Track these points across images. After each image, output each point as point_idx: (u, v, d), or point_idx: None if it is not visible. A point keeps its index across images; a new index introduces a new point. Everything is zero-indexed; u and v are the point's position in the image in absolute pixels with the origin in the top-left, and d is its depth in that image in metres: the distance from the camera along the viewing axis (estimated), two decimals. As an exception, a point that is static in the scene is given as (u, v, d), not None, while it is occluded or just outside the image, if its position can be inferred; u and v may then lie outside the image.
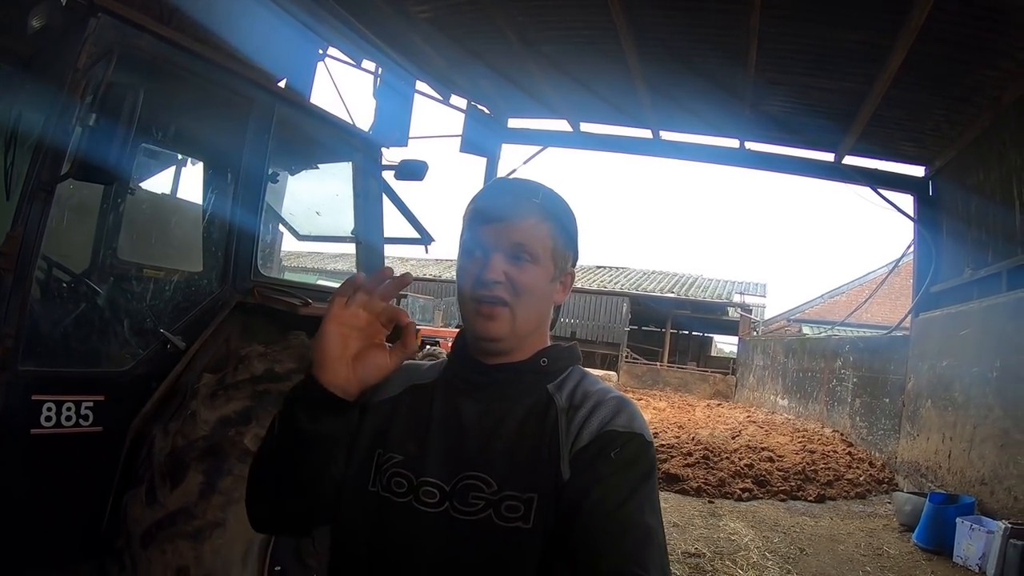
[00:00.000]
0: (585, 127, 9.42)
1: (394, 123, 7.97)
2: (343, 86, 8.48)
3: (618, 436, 1.05)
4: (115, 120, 1.96)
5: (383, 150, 3.61)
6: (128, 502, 2.36)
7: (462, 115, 9.30)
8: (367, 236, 3.47)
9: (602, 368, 21.97)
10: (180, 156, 3.81)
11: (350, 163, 3.46)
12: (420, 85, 8.44)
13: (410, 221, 3.89)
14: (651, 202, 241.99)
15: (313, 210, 4.04)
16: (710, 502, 7.28)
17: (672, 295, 24.77)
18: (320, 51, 8.97)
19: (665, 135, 9.07)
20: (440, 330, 17.52)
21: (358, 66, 8.89)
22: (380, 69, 8.32)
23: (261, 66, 7.43)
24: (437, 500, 1.09)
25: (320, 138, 3.35)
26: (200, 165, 3.77)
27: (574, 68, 7.62)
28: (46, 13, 2.32)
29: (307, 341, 2.78)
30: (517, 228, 1.15)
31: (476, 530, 1.05)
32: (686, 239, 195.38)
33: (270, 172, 2.98)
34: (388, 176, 3.67)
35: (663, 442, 9.42)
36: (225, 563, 2.27)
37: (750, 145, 8.91)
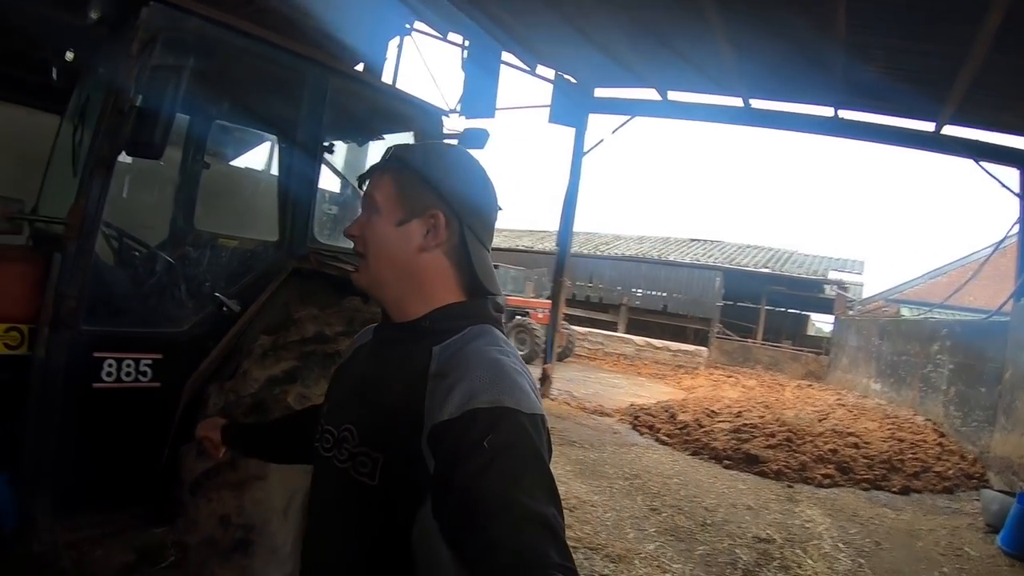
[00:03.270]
0: (673, 95, 9.15)
1: (482, 95, 8.05)
2: (431, 60, 8.64)
3: (484, 415, 0.98)
4: (161, 98, 2.10)
5: (444, 119, 3.63)
6: (183, 454, 2.57)
7: (550, 86, 9.24)
8: None
9: (694, 343, 21.55)
10: (252, 131, 4.01)
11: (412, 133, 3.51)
12: (507, 57, 8.43)
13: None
14: (745, 173, 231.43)
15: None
16: (789, 486, 7.06)
17: (767, 270, 23.71)
18: (407, 25, 9.18)
19: (755, 103, 8.70)
20: (530, 300, 17.33)
21: (444, 39, 9.02)
22: (466, 41, 8.42)
23: (345, 41, 7.69)
24: (330, 446, 1.20)
25: (381, 109, 3.41)
26: (273, 139, 3.96)
27: (660, 32, 7.34)
28: (101, 3, 2.51)
29: (359, 304, 2.91)
30: (368, 188, 1.23)
31: (341, 478, 1.14)
32: (781, 212, 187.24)
33: (327, 143, 3.07)
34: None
35: (746, 421, 9.15)
36: (265, 514, 2.44)
37: (844, 114, 8.44)
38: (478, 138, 3.64)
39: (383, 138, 3.79)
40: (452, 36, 8.81)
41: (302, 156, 2.95)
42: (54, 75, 3.26)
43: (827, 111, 8.47)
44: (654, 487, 6.38)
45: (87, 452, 2.45)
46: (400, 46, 9.04)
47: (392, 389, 1.13)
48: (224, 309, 2.71)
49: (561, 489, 3.21)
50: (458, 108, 8.06)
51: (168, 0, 2.43)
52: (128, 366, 2.43)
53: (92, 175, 2.27)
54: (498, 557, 0.87)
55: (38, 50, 3.32)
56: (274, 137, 3.85)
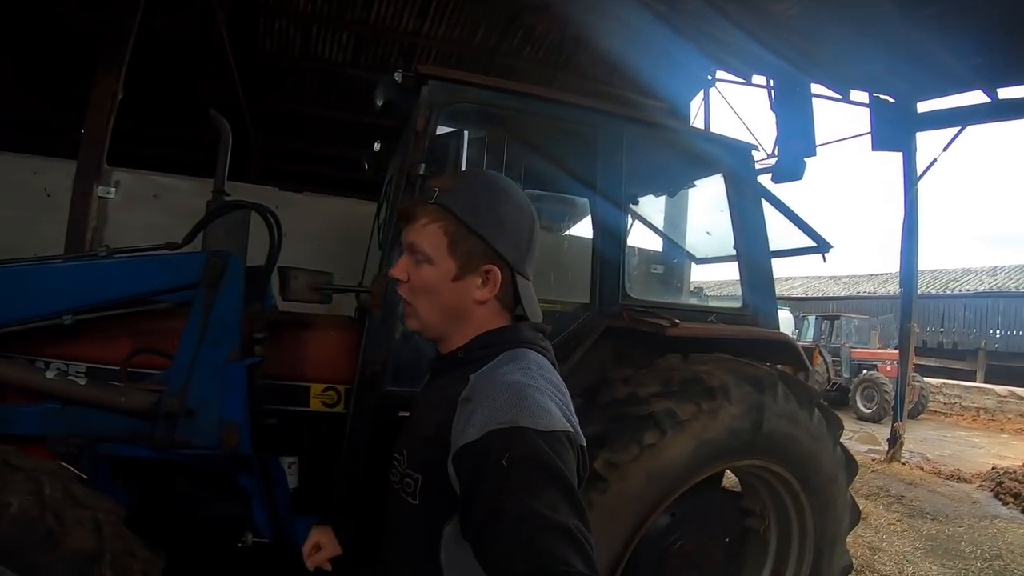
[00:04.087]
0: (1005, 93, 7.49)
1: (798, 133, 7.44)
2: (738, 107, 8.26)
3: (503, 437, 0.99)
4: (445, 163, 2.16)
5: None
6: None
7: (866, 111, 8.23)
8: (748, 247, 3.20)
9: None
10: (553, 194, 4.05)
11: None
12: (816, 89, 7.74)
13: (801, 228, 3.46)
14: None
15: (704, 231, 3.88)
16: None
17: None
18: (709, 77, 8.93)
19: None
20: (877, 352, 15.37)
21: (748, 82, 8.56)
22: (771, 81, 7.89)
23: (661, 99, 7.67)
24: (394, 471, 1.30)
25: (686, 153, 3.21)
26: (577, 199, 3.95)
27: (978, 21, 6.14)
28: (385, 90, 2.67)
29: (676, 363, 2.68)
30: (411, 230, 1.24)
31: (395, 499, 1.26)
32: None
33: (632, 196, 2.94)
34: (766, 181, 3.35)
35: None
36: None
37: None
38: (795, 169, 3.23)
39: (694, 185, 3.55)
40: (756, 79, 8.38)
41: (606, 211, 2.86)
42: (365, 167, 3.68)
43: None
44: (1020, 571, 5.18)
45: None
46: (706, 99, 8.86)
47: (433, 414, 1.19)
48: None
49: (908, 569, 3.10)
50: (775, 152, 7.51)
51: (444, 76, 2.58)
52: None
53: (391, 246, 2.41)
54: (520, 566, 0.86)
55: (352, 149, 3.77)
56: (578, 197, 3.83)
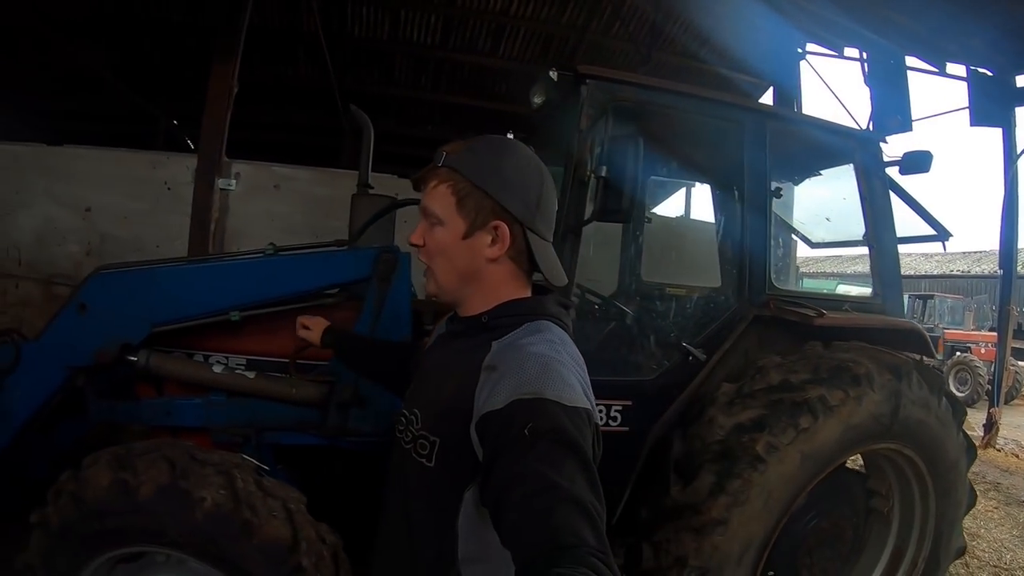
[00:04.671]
0: None
1: (893, 108, 7.27)
2: (831, 80, 8.08)
3: (528, 407, 1.01)
4: (623, 167, 2.23)
5: (884, 143, 3.33)
6: (642, 495, 2.69)
7: (964, 84, 7.93)
8: (878, 238, 3.27)
9: None
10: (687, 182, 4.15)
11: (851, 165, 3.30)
12: (910, 61, 7.50)
13: (923, 217, 3.50)
14: None
15: (822, 217, 3.94)
16: None
17: None
18: (799, 50, 8.74)
19: None
20: (971, 334, 14.78)
21: (840, 55, 8.35)
22: (864, 54, 7.69)
23: (749, 74, 7.56)
24: (402, 428, 1.31)
25: (816, 144, 3.27)
26: (707, 187, 4.04)
27: None
28: (543, 89, 2.75)
29: (821, 351, 2.79)
30: (425, 196, 1.27)
31: (405, 458, 1.26)
32: None
33: (773, 187, 3.04)
34: (893, 172, 3.38)
35: None
36: (722, 559, 2.43)
37: None
38: (922, 162, 3.26)
39: (819, 174, 3.61)
40: (848, 51, 8.17)
41: (753, 203, 2.96)
42: None
43: None
44: None
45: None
46: (797, 71, 8.73)
47: (453, 379, 1.20)
48: (690, 358, 2.79)
49: (1006, 557, 3.37)
50: (871, 127, 7.36)
51: (603, 76, 2.65)
52: (601, 412, 2.60)
53: (564, 240, 2.50)
54: (535, 535, 0.88)
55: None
56: (717, 185, 3.92)
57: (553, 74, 2.64)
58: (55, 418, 2.57)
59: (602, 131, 2.56)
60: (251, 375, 2.50)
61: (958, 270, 23.98)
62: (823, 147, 3.29)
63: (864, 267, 24.30)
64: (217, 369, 2.50)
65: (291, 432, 2.58)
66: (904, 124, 7.16)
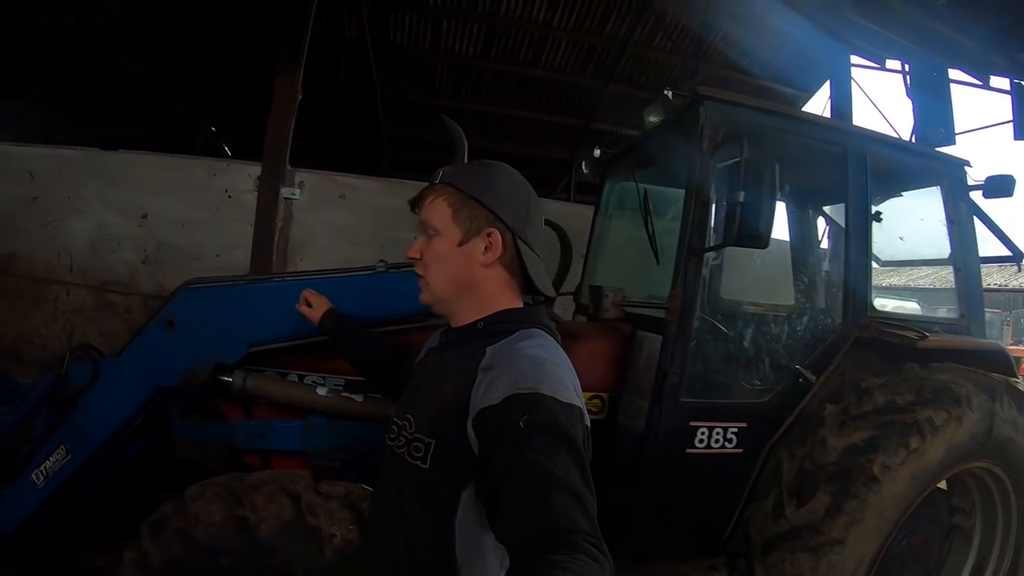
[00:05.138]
0: None
1: (935, 121, 7.29)
2: (874, 92, 8.09)
3: (523, 400, 1.06)
4: (760, 190, 2.27)
5: (968, 167, 3.40)
6: (752, 514, 2.75)
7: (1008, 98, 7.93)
8: (964, 259, 3.38)
9: None
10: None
11: (936, 187, 3.39)
12: (954, 74, 7.53)
13: (1000, 239, 3.57)
14: None
15: (895, 236, 4.02)
16: None
17: None
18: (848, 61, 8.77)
19: None
20: (1011, 349, 14.68)
21: (882, 67, 8.38)
22: (907, 66, 7.73)
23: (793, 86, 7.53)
24: (393, 435, 1.35)
25: (906, 167, 3.37)
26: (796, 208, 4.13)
27: None
28: (661, 108, 2.81)
29: (921, 373, 2.86)
30: (423, 210, 1.36)
31: (398, 463, 1.28)
32: None
33: (873, 211, 3.11)
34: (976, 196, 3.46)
35: None
36: None
37: None
38: (1006, 186, 3.34)
39: (900, 195, 3.68)
40: (890, 64, 8.19)
41: (856, 226, 3.03)
42: (584, 169, 3.86)
43: None
44: None
45: (670, 509, 2.76)
46: (833, 83, 8.74)
47: (447, 382, 1.25)
48: (800, 380, 2.86)
49: None
50: (913, 139, 7.41)
51: (721, 98, 2.71)
52: (718, 433, 2.67)
53: (687, 263, 2.57)
54: (531, 520, 0.93)
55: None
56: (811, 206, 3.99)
57: (668, 93, 2.70)
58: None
59: (738, 154, 2.53)
60: (359, 398, 2.42)
61: (995, 284, 23.71)
62: (913, 170, 3.37)
63: (900, 279, 24.18)
64: (322, 391, 2.41)
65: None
66: (948, 137, 7.18)
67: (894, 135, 3.35)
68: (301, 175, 5.55)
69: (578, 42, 8.66)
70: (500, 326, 1.30)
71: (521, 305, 1.37)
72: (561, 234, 2.84)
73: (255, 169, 5.43)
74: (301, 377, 2.51)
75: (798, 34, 7.68)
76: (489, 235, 1.31)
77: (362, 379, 2.45)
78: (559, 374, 1.16)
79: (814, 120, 3.01)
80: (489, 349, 1.24)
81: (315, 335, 2.36)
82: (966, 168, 3.41)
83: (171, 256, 5.39)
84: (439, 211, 1.32)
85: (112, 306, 5.38)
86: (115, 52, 7.93)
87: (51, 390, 2.40)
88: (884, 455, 2.54)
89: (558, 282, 2.89)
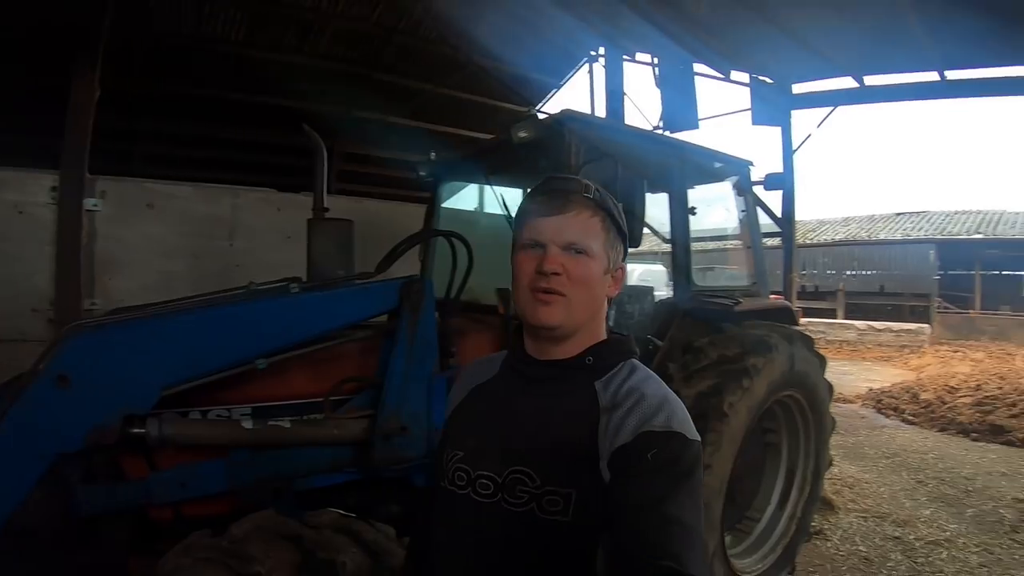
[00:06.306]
0: (870, 80, 8.77)
1: (682, 109, 8.27)
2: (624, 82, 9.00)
3: (656, 437, 1.08)
4: (633, 199, 2.71)
5: (752, 165, 4.28)
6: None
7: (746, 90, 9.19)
8: (752, 238, 4.30)
9: (911, 320, 20.69)
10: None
11: (726, 182, 4.23)
12: (698, 68, 8.50)
13: (771, 217, 4.53)
14: (944, 137, 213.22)
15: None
16: (1038, 452, 7.20)
17: (980, 236, 22.21)
18: (592, 52, 9.62)
19: (952, 75, 8.02)
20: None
21: (633, 59, 9.31)
22: (655, 59, 8.56)
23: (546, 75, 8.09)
24: (491, 492, 1.18)
25: (698, 166, 4.02)
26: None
27: (852, 13, 7.10)
28: (530, 127, 2.98)
29: (738, 331, 3.59)
30: (572, 222, 1.20)
31: (522, 521, 1.13)
32: (984, 172, 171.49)
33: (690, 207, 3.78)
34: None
35: (987, 394, 9.34)
36: (710, 494, 3.16)
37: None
38: (781, 182, 4.27)
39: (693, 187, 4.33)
40: (640, 56, 9.04)
41: (678, 219, 3.70)
42: (420, 174, 4.11)
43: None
44: (914, 463, 7.08)
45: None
46: (591, 73, 9.51)
47: (563, 426, 1.17)
48: (651, 347, 3.49)
49: (833, 471, 4.70)
50: (661, 124, 8.37)
51: (583, 117, 3.21)
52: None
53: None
54: (642, 554, 0.95)
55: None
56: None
57: (539, 115, 3.11)
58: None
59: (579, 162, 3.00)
60: (286, 424, 2.34)
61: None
62: (713, 169, 4.15)
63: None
64: (247, 424, 2.29)
65: (325, 474, 2.53)
66: (692, 123, 8.26)
67: (704, 146, 4.03)
68: (103, 183, 4.93)
69: (343, 28, 8.24)
70: (605, 360, 1.24)
71: (611, 335, 1.30)
72: (464, 243, 3.00)
73: (49, 179, 4.72)
74: (229, 411, 2.40)
75: (553, 26, 8.28)
76: (620, 269, 1.28)
77: (283, 402, 2.48)
78: (683, 411, 1.15)
79: (650, 135, 3.75)
80: (598, 385, 1.20)
81: (239, 365, 2.29)
82: (750, 167, 4.30)
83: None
84: (595, 232, 1.21)
85: None
86: None
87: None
88: (728, 395, 3.22)
89: (461, 285, 2.99)
